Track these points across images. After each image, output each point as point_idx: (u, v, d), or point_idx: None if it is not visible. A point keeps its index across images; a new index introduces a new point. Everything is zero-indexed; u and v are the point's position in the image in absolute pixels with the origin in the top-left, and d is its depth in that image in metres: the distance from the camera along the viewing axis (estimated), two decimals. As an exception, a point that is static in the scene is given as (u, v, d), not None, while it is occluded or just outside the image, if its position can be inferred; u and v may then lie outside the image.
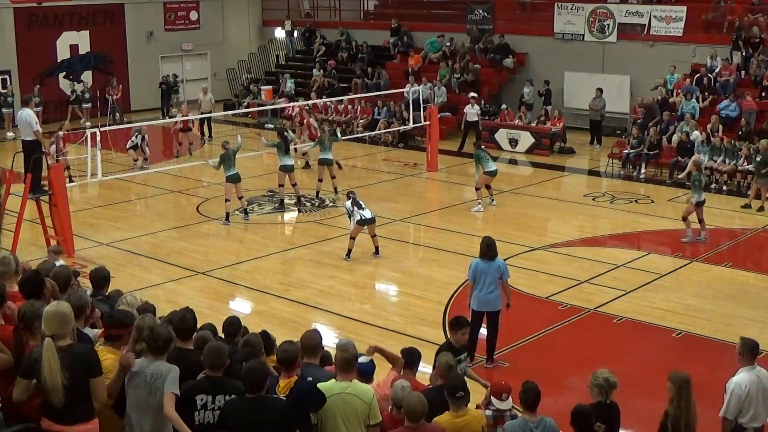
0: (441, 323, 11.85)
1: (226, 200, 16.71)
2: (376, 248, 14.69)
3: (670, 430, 6.60)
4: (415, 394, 6.03)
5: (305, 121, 22.91)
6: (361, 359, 6.89)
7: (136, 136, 21.54)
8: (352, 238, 14.50)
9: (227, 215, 16.77)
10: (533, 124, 23.61)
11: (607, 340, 11.57)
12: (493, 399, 6.88)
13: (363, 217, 14.28)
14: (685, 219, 15.41)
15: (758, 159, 17.69)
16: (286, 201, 18.37)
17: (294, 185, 17.97)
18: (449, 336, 8.74)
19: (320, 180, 18.45)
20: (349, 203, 14.47)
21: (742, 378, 6.77)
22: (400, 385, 6.51)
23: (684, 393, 6.69)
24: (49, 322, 5.42)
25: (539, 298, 12.84)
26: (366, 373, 6.87)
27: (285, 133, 18.26)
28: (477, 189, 17.66)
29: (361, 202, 14.44)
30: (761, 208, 17.30)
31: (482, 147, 18.44)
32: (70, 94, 28.71)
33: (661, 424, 6.70)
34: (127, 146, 21.55)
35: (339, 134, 19.83)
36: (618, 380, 6.81)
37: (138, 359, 5.73)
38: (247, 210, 17.20)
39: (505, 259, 14.17)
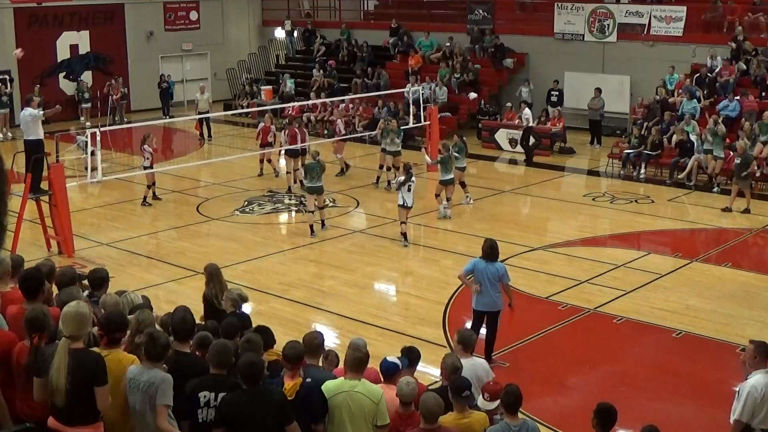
0: (441, 323, 11.84)
1: (309, 211, 16.10)
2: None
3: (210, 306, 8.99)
4: (432, 395, 6.00)
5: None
6: (390, 358, 6.83)
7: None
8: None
9: (311, 227, 15.97)
10: (533, 124, 23.57)
11: (607, 340, 11.56)
12: (480, 399, 6.82)
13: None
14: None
15: (737, 161, 17.64)
16: (287, 201, 18.39)
17: (397, 168, 18.87)
18: None
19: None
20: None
21: (757, 380, 6.68)
22: (404, 380, 6.40)
23: (217, 276, 9.26)
24: (68, 322, 5.39)
25: (539, 298, 12.83)
26: (390, 374, 6.74)
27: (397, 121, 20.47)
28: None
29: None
30: (747, 210, 17.18)
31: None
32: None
33: (204, 300, 9.09)
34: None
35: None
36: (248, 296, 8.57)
37: (134, 366, 5.75)
38: (324, 222, 16.27)
39: (505, 259, 14.30)
